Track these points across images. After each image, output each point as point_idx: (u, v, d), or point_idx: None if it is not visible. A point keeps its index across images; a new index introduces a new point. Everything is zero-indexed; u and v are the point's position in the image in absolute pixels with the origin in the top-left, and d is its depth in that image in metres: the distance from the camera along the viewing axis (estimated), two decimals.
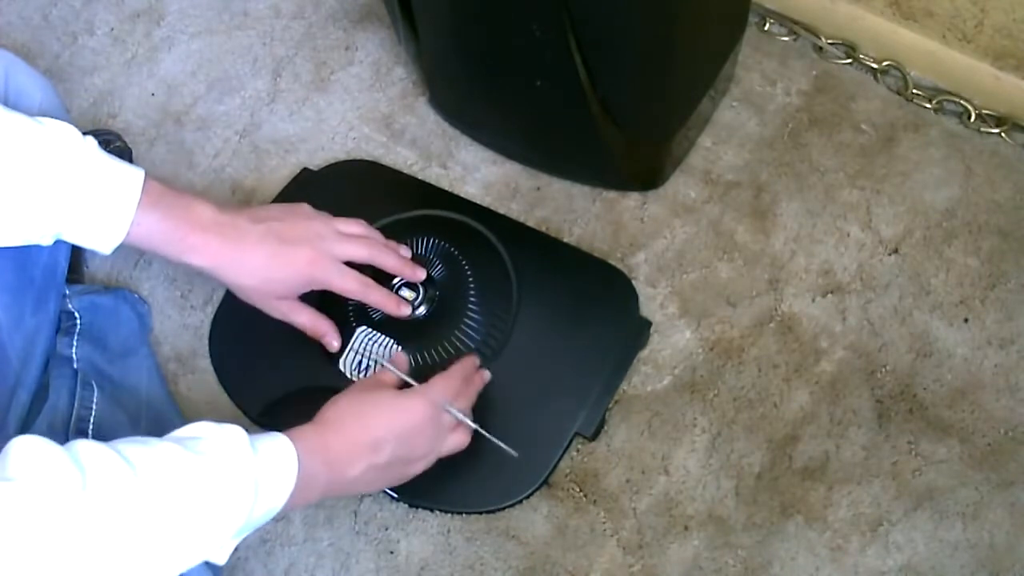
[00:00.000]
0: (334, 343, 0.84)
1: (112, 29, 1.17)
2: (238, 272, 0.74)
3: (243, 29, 1.15)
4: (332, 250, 0.78)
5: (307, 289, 0.79)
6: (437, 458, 0.77)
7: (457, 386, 0.78)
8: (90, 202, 0.66)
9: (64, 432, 0.78)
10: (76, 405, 0.80)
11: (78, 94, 1.12)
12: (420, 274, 0.86)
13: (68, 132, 0.66)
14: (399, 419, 0.72)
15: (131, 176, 0.68)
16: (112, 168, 0.67)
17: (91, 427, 0.80)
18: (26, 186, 0.64)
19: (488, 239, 0.94)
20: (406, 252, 0.86)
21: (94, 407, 0.81)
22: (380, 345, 0.88)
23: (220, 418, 0.92)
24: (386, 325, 0.88)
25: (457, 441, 0.78)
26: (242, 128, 1.09)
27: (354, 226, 0.82)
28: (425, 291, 0.87)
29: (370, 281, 0.81)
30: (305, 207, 0.80)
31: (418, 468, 0.75)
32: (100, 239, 0.68)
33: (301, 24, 1.15)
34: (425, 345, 0.87)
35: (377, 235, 0.84)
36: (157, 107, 1.11)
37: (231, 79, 1.12)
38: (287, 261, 0.76)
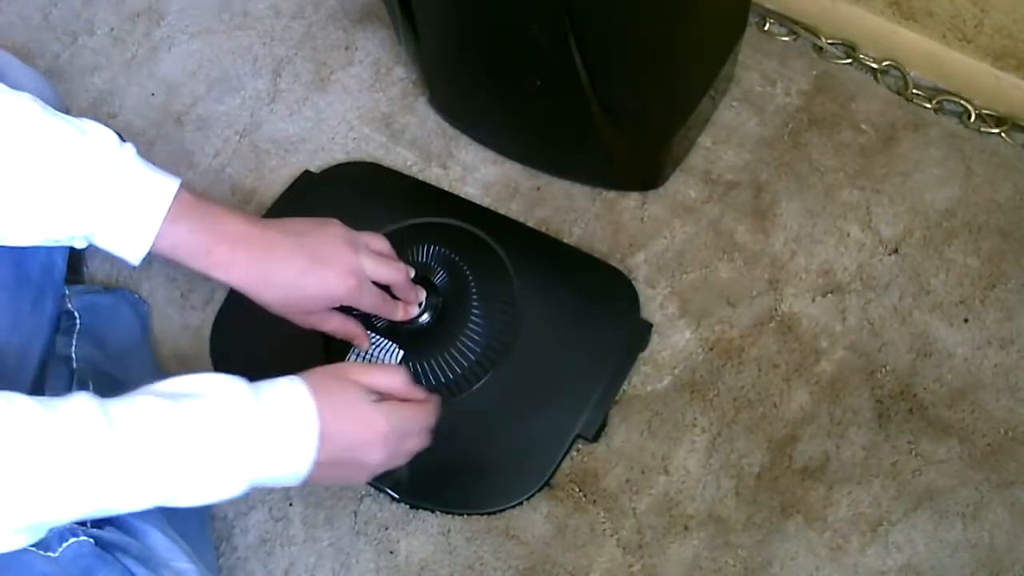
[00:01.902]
0: (365, 343, 0.83)
1: (112, 29, 1.17)
2: (264, 287, 0.72)
3: (243, 29, 1.15)
4: (365, 271, 0.76)
5: (333, 306, 0.78)
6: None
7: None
8: (119, 210, 0.66)
9: None
10: None
11: (78, 94, 1.12)
12: (418, 300, 0.86)
13: (107, 137, 0.66)
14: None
15: (163, 186, 0.68)
16: (145, 177, 0.67)
17: None
18: (60, 188, 0.64)
19: (489, 243, 0.94)
20: (411, 272, 0.85)
21: None
22: (384, 351, 0.88)
23: None
24: (390, 332, 0.88)
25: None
26: (242, 128, 1.09)
27: (381, 243, 0.81)
28: (428, 299, 0.87)
29: (388, 297, 0.81)
30: (336, 224, 0.77)
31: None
32: (127, 248, 0.67)
33: (301, 24, 1.15)
34: (429, 352, 0.88)
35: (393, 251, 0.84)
36: (157, 107, 1.11)
37: (231, 79, 1.12)
38: (319, 280, 0.73)
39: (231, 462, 0.59)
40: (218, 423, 0.59)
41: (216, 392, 0.60)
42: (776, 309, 0.93)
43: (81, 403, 0.56)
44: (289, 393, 0.63)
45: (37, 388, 0.81)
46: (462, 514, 0.85)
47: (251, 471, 0.60)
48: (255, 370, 0.92)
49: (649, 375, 0.91)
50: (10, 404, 0.54)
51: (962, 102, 1.02)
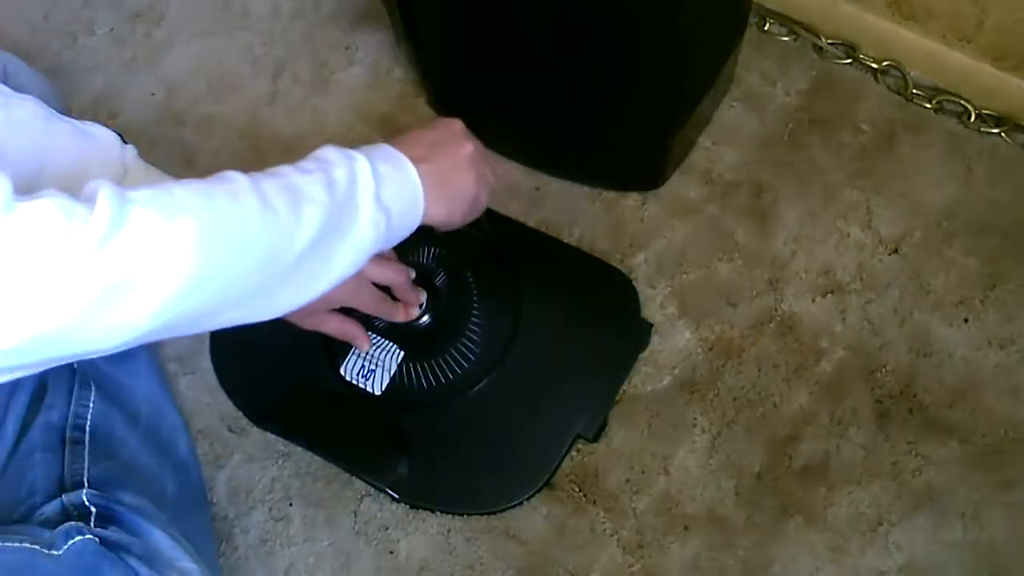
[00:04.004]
0: (365, 345, 0.83)
1: (112, 29, 1.17)
2: None
3: (243, 29, 1.15)
4: (365, 273, 0.75)
5: (334, 307, 0.78)
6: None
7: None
8: None
9: (61, 430, 0.78)
10: (73, 404, 0.80)
11: (78, 94, 1.12)
12: (419, 302, 0.86)
13: (109, 139, 0.66)
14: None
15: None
16: (146, 179, 0.67)
17: (88, 424, 0.79)
18: (62, 190, 0.64)
19: (489, 244, 0.94)
20: (412, 273, 0.85)
21: (91, 406, 0.81)
22: (384, 351, 0.88)
23: (219, 418, 0.93)
24: (391, 333, 0.88)
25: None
26: (242, 128, 1.09)
27: None
28: (429, 301, 0.86)
29: (388, 299, 0.80)
30: None
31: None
32: None
33: (301, 24, 1.15)
34: (430, 353, 0.88)
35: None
36: (157, 107, 1.11)
37: (231, 79, 1.12)
38: None
39: (361, 197, 0.60)
40: (336, 170, 0.60)
41: (321, 154, 0.61)
42: (776, 309, 0.93)
43: (231, 174, 0.56)
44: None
45: (38, 389, 0.81)
46: (462, 514, 0.85)
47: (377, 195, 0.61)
48: (256, 371, 0.92)
49: (649, 375, 0.91)
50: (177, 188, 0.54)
51: (962, 102, 1.02)
